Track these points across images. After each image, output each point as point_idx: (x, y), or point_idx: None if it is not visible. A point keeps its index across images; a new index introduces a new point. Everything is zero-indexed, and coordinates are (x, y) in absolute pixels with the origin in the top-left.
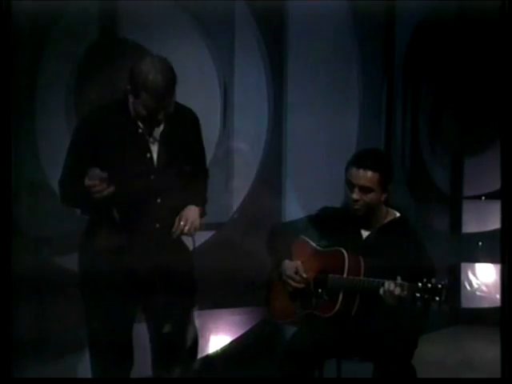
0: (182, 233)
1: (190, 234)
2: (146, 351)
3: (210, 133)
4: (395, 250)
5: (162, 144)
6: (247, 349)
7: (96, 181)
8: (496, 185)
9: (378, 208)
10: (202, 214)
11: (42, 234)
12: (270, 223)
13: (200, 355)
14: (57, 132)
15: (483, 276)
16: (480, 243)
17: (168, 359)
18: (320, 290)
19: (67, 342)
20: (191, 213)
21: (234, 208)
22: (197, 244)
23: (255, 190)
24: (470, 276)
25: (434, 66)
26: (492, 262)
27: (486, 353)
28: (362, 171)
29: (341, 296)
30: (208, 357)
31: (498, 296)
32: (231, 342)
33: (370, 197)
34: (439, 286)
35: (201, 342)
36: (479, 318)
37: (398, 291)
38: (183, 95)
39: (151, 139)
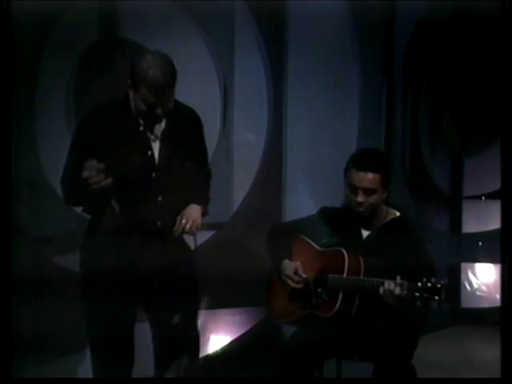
0: (184, 231)
1: (192, 232)
2: (145, 351)
3: (209, 132)
4: (395, 250)
5: (164, 142)
6: (247, 349)
7: (93, 172)
8: (496, 185)
9: (379, 207)
10: (204, 213)
11: (42, 234)
12: (269, 223)
13: (200, 355)
14: (57, 132)
15: (483, 276)
16: (480, 243)
17: (170, 359)
18: (320, 290)
19: (67, 342)
20: (193, 211)
21: (234, 208)
22: (193, 246)
23: (255, 189)
24: (470, 276)
25: (433, 66)
26: (492, 262)
27: (485, 353)
28: (364, 173)
29: (341, 296)
30: (208, 357)
31: (498, 296)
32: (231, 342)
33: (374, 198)
34: (439, 285)
35: (201, 341)
36: (479, 317)
37: (397, 291)
38: (183, 95)
39: (152, 137)
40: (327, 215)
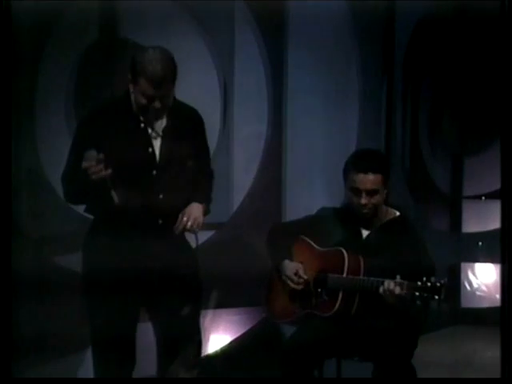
0: (185, 228)
1: (193, 230)
2: (146, 351)
3: (209, 132)
4: (395, 249)
5: (165, 139)
6: (247, 349)
7: (93, 162)
8: (496, 185)
9: (380, 207)
10: (206, 213)
11: (42, 234)
12: (269, 223)
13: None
14: (57, 132)
15: (483, 276)
16: (480, 243)
17: (172, 358)
18: (320, 290)
19: (67, 342)
20: (194, 209)
21: (234, 208)
22: (194, 245)
23: (255, 189)
24: (470, 276)
25: (433, 66)
26: (492, 262)
27: (485, 353)
28: (365, 175)
29: (340, 295)
30: (208, 357)
31: (498, 296)
32: (231, 342)
33: (377, 198)
34: (438, 284)
35: (203, 341)
36: (479, 317)
37: (397, 290)
38: (183, 94)
39: (153, 134)
40: (327, 215)
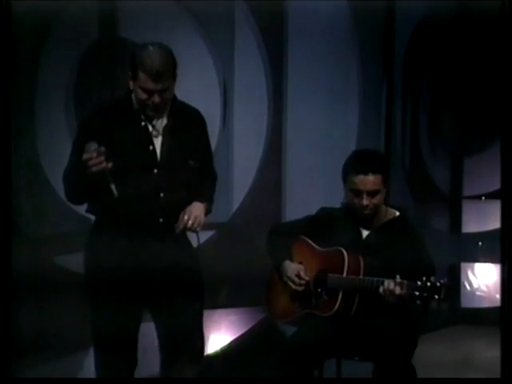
0: (186, 227)
1: (194, 228)
2: (146, 351)
3: (210, 132)
4: (395, 249)
5: (166, 137)
6: (247, 349)
7: (93, 153)
8: (496, 185)
9: (380, 207)
10: (207, 212)
11: (42, 234)
12: (269, 223)
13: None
14: (57, 132)
15: (483, 276)
16: (480, 243)
17: (175, 359)
18: (320, 290)
19: (67, 342)
20: (196, 208)
21: (234, 208)
22: (196, 244)
23: (255, 189)
24: (470, 276)
25: (433, 66)
26: (492, 262)
27: (485, 352)
28: (365, 176)
29: (340, 295)
30: (208, 357)
31: (498, 296)
32: (231, 342)
33: (378, 198)
34: (438, 284)
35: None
36: (479, 317)
37: (397, 290)
38: (183, 94)
39: (154, 132)
40: (327, 215)
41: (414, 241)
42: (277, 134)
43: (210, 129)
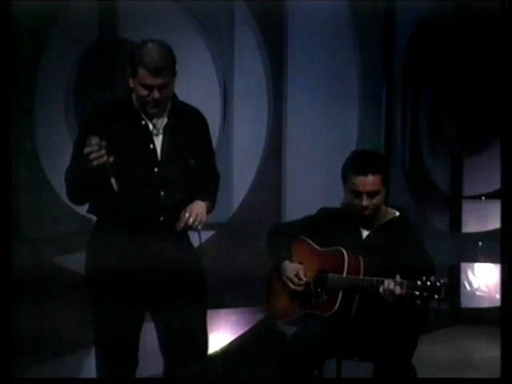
0: (187, 224)
1: (195, 226)
2: (146, 351)
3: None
4: (395, 249)
5: (166, 136)
6: (247, 349)
7: (94, 147)
8: (496, 185)
9: (380, 207)
10: (209, 211)
11: (42, 234)
12: (270, 223)
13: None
14: (57, 132)
15: (483, 276)
16: (480, 243)
17: (178, 358)
18: (320, 290)
19: (67, 342)
20: (197, 206)
21: (234, 208)
22: (197, 243)
23: (255, 189)
24: (470, 276)
25: (433, 66)
26: (492, 261)
27: (486, 352)
28: (365, 177)
29: (340, 295)
30: (208, 357)
31: (498, 296)
32: (231, 342)
33: (378, 199)
34: (438, 284)
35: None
36: (479, 317)
37: (397, 290)
38: (183, 94)
39: (154, 131)
40: (327, 215)
41: (413, 241)
42: (277, 134)
43: (210, 129)
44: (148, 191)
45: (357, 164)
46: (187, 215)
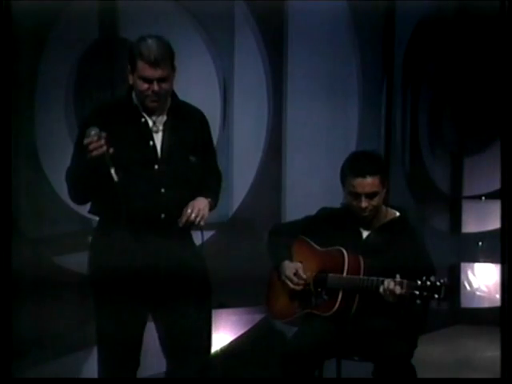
0: (189, 220)
1: (198, 222)
2: (145, 350)
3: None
4: (395, 249)
5: (166, 133)
6: (247, 349)
7: (94, 137)
8: (496, 185)
9: (379, 207)
10: (211, 208)
11: (42, 234)
12: (270, 223)
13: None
14: (57, 132)
15: (483, 276)
16: (480, 243)
17: (183, 358)
18: (320, 290)
19: (67, 342)
20: (200, 202)
21: (234, 208)
22: (200, 242)
23: (255, 189)
24: (470, 276)
25: (434, 65)
26: (492, 262)
27: (485, 352)
28: (363, 179)
29: (340, 295)
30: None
31: (498, 296)
32: (231, 342)
33: (377, 200)
34: (438, 283)
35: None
36: (479, 317)
37: (397, 289)
38: (183, 95)
39: (154, 128)
40: (327, 215)
41: (414, 241)
42: (277, 134)
43: (211, 127)
44: (148, 188)
45: (355, 166)
46: (189, 211)
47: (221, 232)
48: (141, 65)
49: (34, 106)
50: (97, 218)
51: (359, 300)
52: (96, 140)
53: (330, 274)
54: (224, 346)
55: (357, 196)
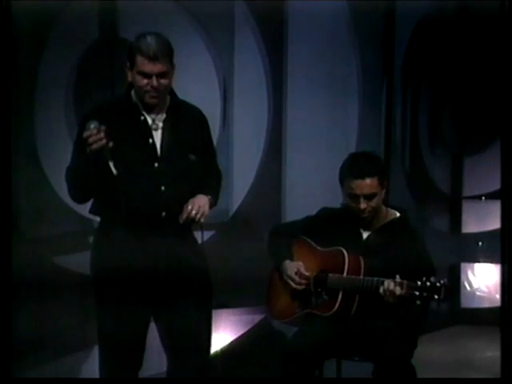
0: (189, 217)
1: (198, 219)
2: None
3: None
4: (395, 250)
5: (165, 131)
6: (247, 349)
7: (93, 131)
8: (496, 185)
9: (379, 208)
10: (212, 205)
11: (42, 234)
12: (270, 223)
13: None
14: (57, 132)
15: (483, 276)
16: (480, 243)
17: (184, 357)
18: (320, 290)
19: (67, 342)
20: (200, 199)
21: (234, 208)
22: (200, 241)
23: (255, 189)
24: (470, 276)
25: (433, 66)
26: (492, 262)
27: (485, 352)
28: (361, 181)
29: (340, 295)
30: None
31: (498, 296)
32: (231, 342)
33: (375, 201)
34: (438, 284)
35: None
36: (479, 317)
37: (397, 290)
38: (183, 93)
39: (154, 125)
40: (327, 215)
41: (414, 242)
42: (277, 134)
43: (210, 126)
44: (148, 187)
45: (352, 167)
46: (190, 207)
47: (221, 232)
48: (140, 60)
49: (33, 106)
50: (97, 218)
51: (359, 300)
52: (96, 133)
53: (330, 274)
54: (224, 346)
55: (355, 197)
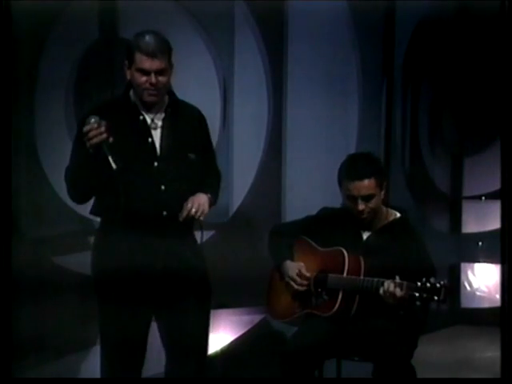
0: (189, 214)
1: (198, 217)
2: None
3: (210, 131)
4: (395, 250)
5: (164, 130)
6: (247, 349)
7: (93, 125)
8: (496, 185)
9: (379, 209)
10: (211, 204)
11: (42, 234)
12: (270, 223)
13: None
14: (57, 132)
15: (483, 276)
16: (480, 243)
17: (184, 357)
18: (320, 290)
19: (67, 342)
20: (200, 198)
21: (234, 208)
22: (199, 241)
23: (255, 189)
24: (470, 276)
25: (434, 66)
26: (492, 262)
27: (485, 353)
28: (359, 182)
29: (340, 295)
30: (208, 357)
31: (498, 296)
32: (231, 342)
33: (374, 202)
34: (438, 285)
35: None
36: (479, 317)
37: (397, 291)
38: (183, 94)
39: (153, 125)
40: (327, 215)
41: (414, 242)
42: (277, 134)
43: (210, 128)
44: (148, 186)
45: (350, 169)
46: (189, 205)
47: (221, 232)
48: (139, 57)
49: (33, 106)
50: (97, 218)
51: (359, 300)
52: (96, 127)
53: (331, 275)
54: (224, 346)
55: (353, 199)
